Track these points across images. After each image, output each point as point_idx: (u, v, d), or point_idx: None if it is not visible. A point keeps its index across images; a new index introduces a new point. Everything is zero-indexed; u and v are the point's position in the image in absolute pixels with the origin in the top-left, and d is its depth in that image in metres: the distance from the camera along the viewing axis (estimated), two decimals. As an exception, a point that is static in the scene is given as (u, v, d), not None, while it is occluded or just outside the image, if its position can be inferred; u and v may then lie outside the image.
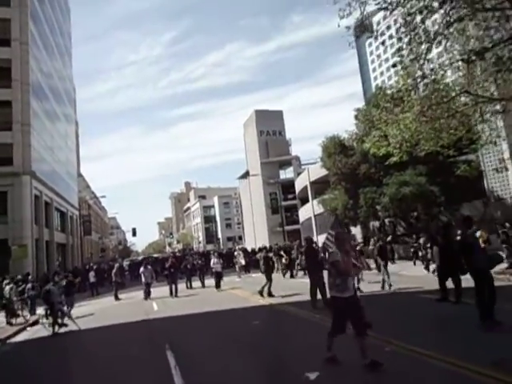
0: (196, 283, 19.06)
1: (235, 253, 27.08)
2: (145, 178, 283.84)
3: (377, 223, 27.57)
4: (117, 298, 17.97)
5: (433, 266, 12.39)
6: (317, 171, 35.12)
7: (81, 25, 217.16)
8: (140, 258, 51.35)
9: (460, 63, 12.06)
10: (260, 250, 25.21)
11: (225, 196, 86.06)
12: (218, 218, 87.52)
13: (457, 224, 16.95)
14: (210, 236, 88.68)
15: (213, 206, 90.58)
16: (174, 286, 16.13)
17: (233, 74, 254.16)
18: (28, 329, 13.18)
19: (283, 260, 20.24)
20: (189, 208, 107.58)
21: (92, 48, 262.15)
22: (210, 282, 19.10)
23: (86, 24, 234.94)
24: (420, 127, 12.83)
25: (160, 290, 19.19)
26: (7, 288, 14.76)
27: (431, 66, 12.42)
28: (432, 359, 5.19)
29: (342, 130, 26.81)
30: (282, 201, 47.65)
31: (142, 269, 17.06)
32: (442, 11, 10.45)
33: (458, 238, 7.30)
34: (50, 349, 9.63)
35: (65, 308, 12.48)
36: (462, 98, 13.27)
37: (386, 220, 26.38)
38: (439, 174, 21.43)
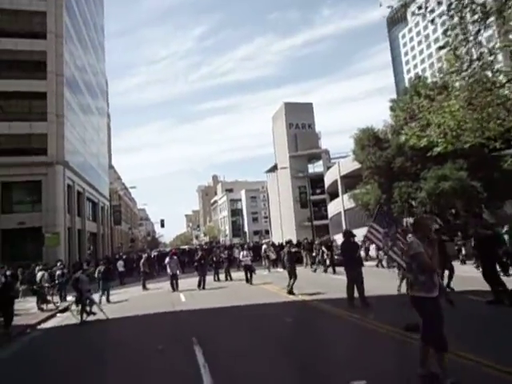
0: (221, 276, 18.77)
1: (263, 246, 26.68)
2: (173, 171, 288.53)
3: (410, 219, 26.38)
4: (144, 288, 17.96)
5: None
6: (348, 165, 34.07)
7: (113, 19, 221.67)
8: (168, 249, 52.01)
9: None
10: (281, 245, 24.71)
11: (252, 190, 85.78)
12: (244, 212, 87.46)
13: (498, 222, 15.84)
14: (237, 229, 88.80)
15: (240, 200, 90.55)
16: (202, 278, 15.88)
17: (261, 67, 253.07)
18: (58, 315, 13.27)
19: (324, 255, 19.60)
20: (216, 201, 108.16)
21: (124, 42, 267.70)
22: (236, 275, 18.86)
23: (119, 18, 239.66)
24: (466, 116, 11.85)
25: (187, 282, 19.04)
26: (39, 274, 14.97)
27: (481, 49, 11.40)
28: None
29: (372, 124, 25.61)
30: (311, 195, 46.76)
31: (167, 259, 16.82)
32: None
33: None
34: (78, 337, 9.52)
35: (95, 295, 12.45)
36: (513, 86, 12.12)
37: (421, 216, 25.17)
38: (481, 169, 20.08)
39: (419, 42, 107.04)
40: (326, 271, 18.84)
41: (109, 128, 68.56)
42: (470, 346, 5.36)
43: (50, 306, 14.35)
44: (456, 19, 10.34)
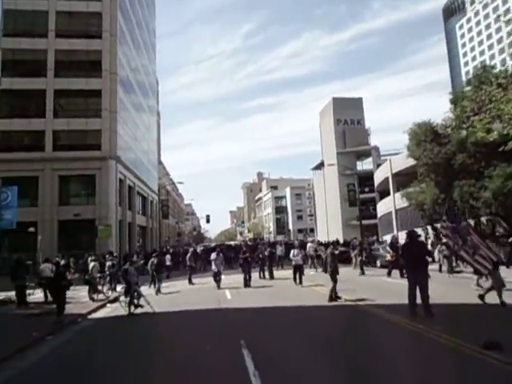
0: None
1: (308, 245, 25.94)
2: (219, 168, 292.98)
3: (471, 221, 24.39)
4: (190, 283, 17.96)
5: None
6: (400, 162, 32.30)
7: (164, 20, 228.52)
8: (213, 244, 52.62)
9: None
10: (328, 244, 23.41)
11: (297, 187, 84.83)
12: (289, 209, 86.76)
13: None
14: (281, 227, 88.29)
15: (284, 197, 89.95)
16: (247, 276, 15.54)
17: (308, 64, 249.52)
18: (108, 305, 13.50)
19: (388, 256, 18.43)
20: (260, 198, 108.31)
21: (174, 42, 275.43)
22: (279, 273, 18.37)
23: (169, 19, 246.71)
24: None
25: (232, 278, 18.82)
26: (91, 265, 15.36)
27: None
28: None
29: (430, 118, 23.83)
30: (359, 193, 45.08)
31: (213, 255, 16.48)
32: None
33: None
34: (125, 329, 9.49)
35: (143, 287, 12.51)
36: None
37: (483, 218, 23.13)
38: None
39: (478, 33, 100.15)
40: (402, 275, 15.17)
41: (158, 125, 70.65)
42: None
43: (101, 296, 14.68)
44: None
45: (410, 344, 6.56)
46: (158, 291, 15.26)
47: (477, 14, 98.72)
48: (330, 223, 55.42)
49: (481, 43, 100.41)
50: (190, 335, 8.05)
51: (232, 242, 51.54)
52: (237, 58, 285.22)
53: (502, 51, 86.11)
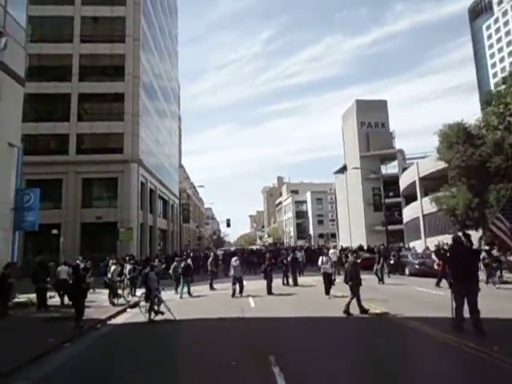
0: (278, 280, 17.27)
1: (330, 251, 25.06)
2: (239, 172, 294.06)
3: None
4: (212, 288, 17.48)
5: None
6: (428, 165, 31.08)
7: (184, 27, 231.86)
8: (232, 248, 52.19)
9: None
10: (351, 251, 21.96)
11: (318, 192, 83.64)
12: (310, 214, 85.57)
13: None
14: (302, 231, 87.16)
15: (305, 202, 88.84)
16: (270, 283, 14.89)
17: (328, 68, 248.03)
18: (128, 310, 13.14)
19: (435, 265, 16.96)
20: (281, 202, 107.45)
21: (194, 49, 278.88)
22: (301, 280, 17.62)
23: (191, 25, 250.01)
24: None
25: (254, 284, 18.21)
26: (113, 268, 15.07)
27: None
28: None
29: (463, 119, 22.63)
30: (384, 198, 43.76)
31: (233, 260, 15.61)
32: None
33: None
34: (144, 338, 9.03)
35: (163, 294, 12.07)
36: None
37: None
38: None
39: (507, 33, 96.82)
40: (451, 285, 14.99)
41: (179, 130, 71.06)
42: None
43: (121, 300, 14.35)
44: None
45: (461, 366, 5.80)
46: (189, 294, 15.61)
47: (505, 13, 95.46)
48: (352, 228, 54.10)
49: (509, 44, 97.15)
50: (213, 347, 7.49)
51: (254, 247, 50.97)
52: (257, 63, 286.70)
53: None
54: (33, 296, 13.81)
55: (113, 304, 13.75)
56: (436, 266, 16.41)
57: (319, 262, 13.76)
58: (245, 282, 18.68)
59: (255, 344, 7.40)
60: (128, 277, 15.60)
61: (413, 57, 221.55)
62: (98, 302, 14.30)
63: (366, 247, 32.60)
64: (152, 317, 10.75)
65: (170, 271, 17.16)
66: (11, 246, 14.48)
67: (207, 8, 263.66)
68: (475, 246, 13.07)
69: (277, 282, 16.29)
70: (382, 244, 23.54)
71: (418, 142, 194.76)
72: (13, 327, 10.44)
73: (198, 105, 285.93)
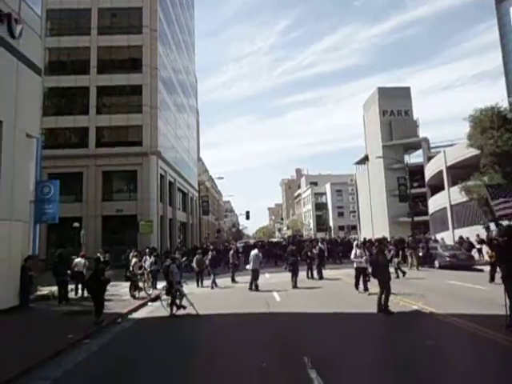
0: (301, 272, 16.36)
1: (354, 243, 24.25)
2: (257, 165, 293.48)
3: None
4: (233, 281, 17.06)
5: None
6: (456, 153, 29.63)
7: (201, 20, 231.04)
8: (252, 241, 51.81)
9: None
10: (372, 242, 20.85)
11: (337, 183, 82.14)
12: (329, 206, 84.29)
13: None
14: (321, 224, 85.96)
15: (324, 194, 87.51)
16: (294, 276, 14.29)
17: (347, 58, 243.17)
18: (149, 304, 12.83)
19: (486, 257, 15.78)
20: (299, 194, 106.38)
21: (211, 42, 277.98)
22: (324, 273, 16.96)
23: (209, 19, 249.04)
24: None
25: (278, 276, 17.72)
26: (133, 260, 14.80)
27: None
28: None
29: (497, 103, 21.28)
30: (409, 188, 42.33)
31: (253, 253, 15.00)
32: None
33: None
34: (166, 334, 8.61)
35: (185, 287, 11.66)
36: None
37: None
38: None
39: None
40: (492, 279, 13.26)
41: (198, 123, 70.83)
42: None
43: (142, 293, 14.06)
44: None
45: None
46: (215, 285, 15.78)
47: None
48: (374, 220, 52.81)
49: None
50: (239, 345, 6.96)
51: (274, 239, 50.46)
52: (274, 54, 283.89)
53: None
54: (55, 289, 13.67)
55: (134, 297, 13.46)
56: (488, 259, 15.08)
57: (352, 256, 12.70)
58: (267, 275, 18.27)
59: (285, 343, 6.83)
60: (149, 269, 15.30)
61: (435, 44, 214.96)
62: (120, 294, 14.06)
63: (389, 239, 31.54)
64: (174, 311, 10.35)
65: (193, 264, 16.85)
66: (32, 239, 14.31)
67: (222, 1, 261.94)
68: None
69: (301, 275, 15.66)
70: (410, 235, 22.51)
71: (441, 132, 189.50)
72: (32, 321, 10.21)
73: (215, 98, 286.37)
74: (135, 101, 32.47)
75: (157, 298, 13.16)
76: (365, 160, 56.76)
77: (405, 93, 50.99)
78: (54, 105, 31.87)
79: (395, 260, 16.95)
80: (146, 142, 31.35)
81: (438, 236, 32.12)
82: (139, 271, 14.61)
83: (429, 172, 37.42)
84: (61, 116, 31.04)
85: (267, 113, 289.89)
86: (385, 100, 50.12)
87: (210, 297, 13.62)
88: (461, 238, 25.12)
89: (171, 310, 10.39)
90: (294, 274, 14.39)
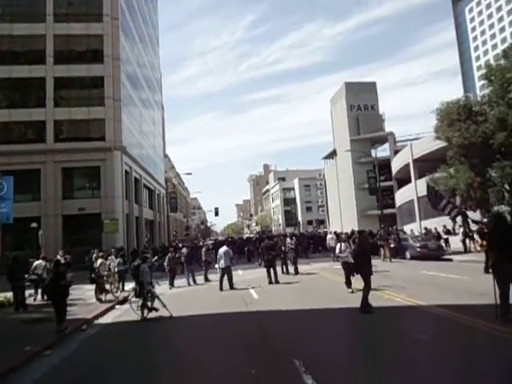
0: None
1: (328, 236, 24.26)
2: (225, 161, 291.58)
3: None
4: (207, 280, 16.37)
5: None
6: (422, 146, 30.40)
7: (166, 14, 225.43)
8: (220, 238, 51.17)
9: None
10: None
11: (306, 178, 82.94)
12: (298, 201, 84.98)
13: None
14: (290, 219, 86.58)
15: (293, 189, 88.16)
16: (272, 271, 13.80)
17: (312, 54, 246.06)
18: (117, 307, 11.97)
19: (478, 247, 15.76)
20: (268, 190, 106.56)
21: (177, 35, 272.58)
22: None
23: (172, 13, 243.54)
24: None
25: (252, 273, 17.22)
26: (99, 261, 13.83)
27: None
28: None
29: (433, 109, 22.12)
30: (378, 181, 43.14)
31: (222, 250, 14.03)
32: None
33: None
34: (137, 340, 7.87)
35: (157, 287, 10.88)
36: None
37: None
38: None
39: (489, 16, 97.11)
40: (487, 270, 11.90)
41: (163, 119, 68.97)
42: None
43: (109, 296, 13.11)
44: None
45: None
46: (194, 282, 15.86)
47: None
48: (343, 214, 53.54)
49: (491, 26, 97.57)
50: (221, 350, 6.33)
51: (244, 235, 50.06)
52: (239, 49, 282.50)
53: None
54: (10, 295, 12.45)
55: (100, 301, 12.50)
56: (479, 248, 14.96)
57: (337, 250, 11.99)
58: (240, 272, 17.73)
59: (271, 345, 6.26)
60: (116, 270, 14.32)
61: (396, 42, 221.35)
62: (84, 298, 13.05)
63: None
64: (145, 314, 9.57)
65: (165, 263, 16.06)
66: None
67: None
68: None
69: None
70: (382, 227, 22.69)
71: (405, 126, 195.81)
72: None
73: (181, 93, 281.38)
74: (97, 93, 30.75)
75: (125, 301, 12.29)
76: (333, 154, 57.40)
77: (371, 88, 51.94)
78: (7, 97, 29.66)
79: None
80: (109, 137, 29.78)
81: (406, 228, 32.86)
82: (105, 272, 13.63)
83: (395, 165, 38.24)
84: (14, 109, 28.90)
85: (234, 109, 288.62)
86: (352, 95, 50.79)
87: (184, 297, 12.90)
88: (426, 229, 25.71)
89: (142, 312, 9.60)
90: (273, 269, 13.86)
